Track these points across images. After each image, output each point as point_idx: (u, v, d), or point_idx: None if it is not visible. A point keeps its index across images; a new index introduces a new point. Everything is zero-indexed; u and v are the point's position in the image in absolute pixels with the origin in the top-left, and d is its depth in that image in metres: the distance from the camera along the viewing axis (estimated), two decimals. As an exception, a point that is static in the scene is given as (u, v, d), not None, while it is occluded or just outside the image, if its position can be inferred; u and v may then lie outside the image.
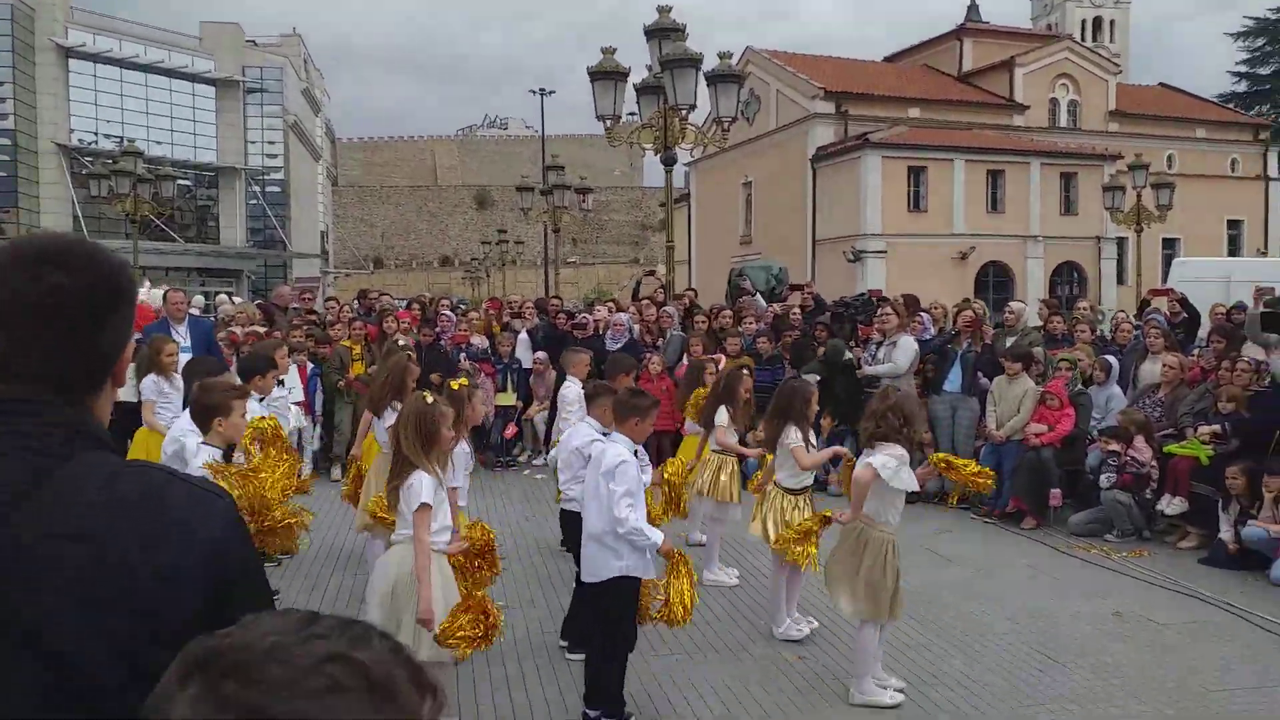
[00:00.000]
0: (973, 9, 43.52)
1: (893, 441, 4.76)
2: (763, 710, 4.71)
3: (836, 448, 6.22)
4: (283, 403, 6.98)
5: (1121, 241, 33.73)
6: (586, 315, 12.30)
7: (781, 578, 5.71)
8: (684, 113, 13.11)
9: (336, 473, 10.42)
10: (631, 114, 15.06)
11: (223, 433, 4.48)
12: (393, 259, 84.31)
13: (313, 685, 0.77)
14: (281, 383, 7.13)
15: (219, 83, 45.80)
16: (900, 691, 4.82)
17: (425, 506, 4.00)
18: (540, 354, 11.48)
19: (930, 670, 5.19)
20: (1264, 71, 49.05)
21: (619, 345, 10.95)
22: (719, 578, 6.78)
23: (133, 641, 1.18)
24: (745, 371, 7.35)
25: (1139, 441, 7.99)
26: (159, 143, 42.48)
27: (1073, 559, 7.54)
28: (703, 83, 13.05)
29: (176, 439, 4.63)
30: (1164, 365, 8.77)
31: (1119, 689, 4.97)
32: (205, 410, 4.50)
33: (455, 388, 5.32)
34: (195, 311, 11.37)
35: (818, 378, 9.30)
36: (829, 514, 5.35)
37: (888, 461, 4.67)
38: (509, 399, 11.59)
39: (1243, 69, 49.80)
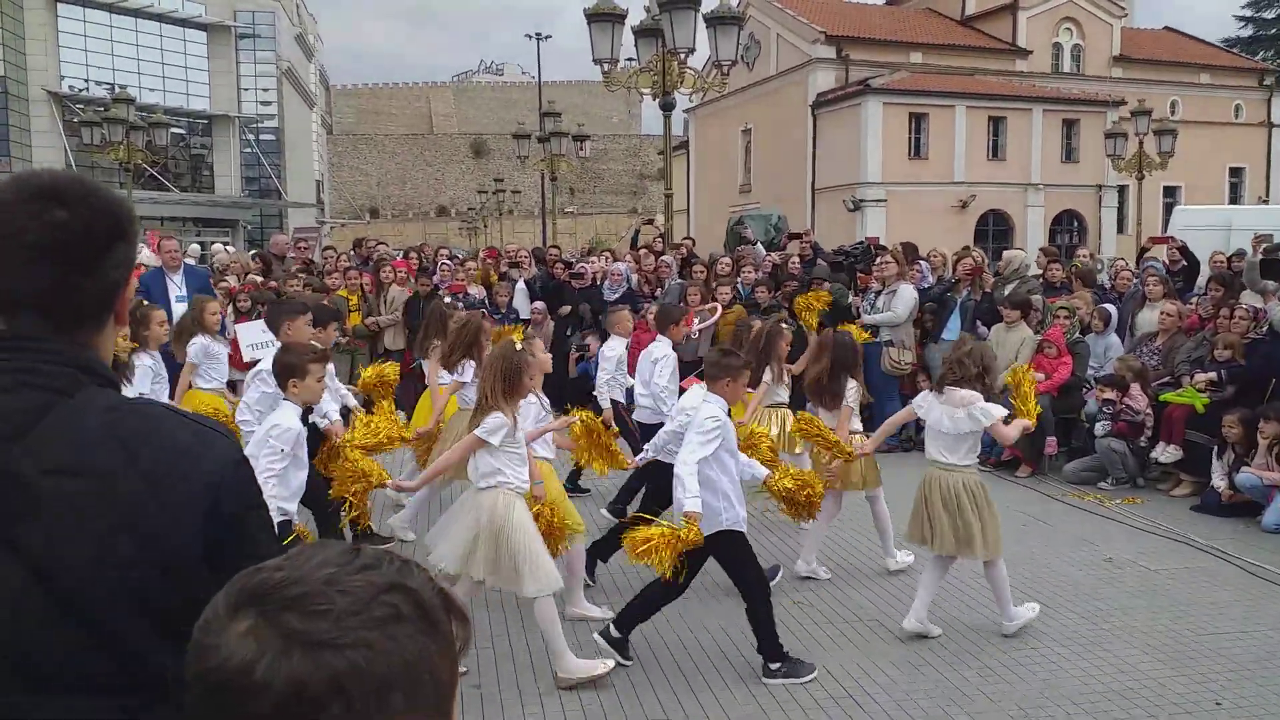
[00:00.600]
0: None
1: (968, 388, 4.85)
2: (758, 653, 4.77)
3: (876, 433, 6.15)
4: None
5: (1122, 189, 33.54)
6: (584, 265, 12.24)
7: (880, 511, 5.94)
8: (683, 56, 12.92)
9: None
10: (630, 59, 14.85)
11: (297, 394, 4.49)
12: (389, 208, 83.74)
13: (376, 614, 0.79)
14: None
15: (210, 28, 45.05)
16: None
17: (479, 440, 4.26)
18: (538, 304, 11.44)
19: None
20: (1270, 15, 48.34)
21: (616, 295, 10.91)
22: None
23: (140, 573, 1.20)
24: (782, 327, 7.15)
25: (1135, 390, 8.02)
26: (151, 90, 41.88)
27: (1067, 506, 7.60)
28: (702, 25, 12.84)
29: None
30: (1162, 313, 8.76)
31: (1109, 633, 5.04)
32: (283, 370, 4.50)
33: (517, 336, 5.52)
34: (191, 261, 11.30)
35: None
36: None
37: (988, 410, 4.83)
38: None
39: (1248, 13, 49.06)
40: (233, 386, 7.22)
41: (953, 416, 4.90)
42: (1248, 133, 40.01)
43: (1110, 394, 8.06)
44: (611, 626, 4.64)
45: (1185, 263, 11.17)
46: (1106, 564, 6.17)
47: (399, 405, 10.60)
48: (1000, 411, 4.92)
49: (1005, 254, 11.09)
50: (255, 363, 6.02)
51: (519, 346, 4.53)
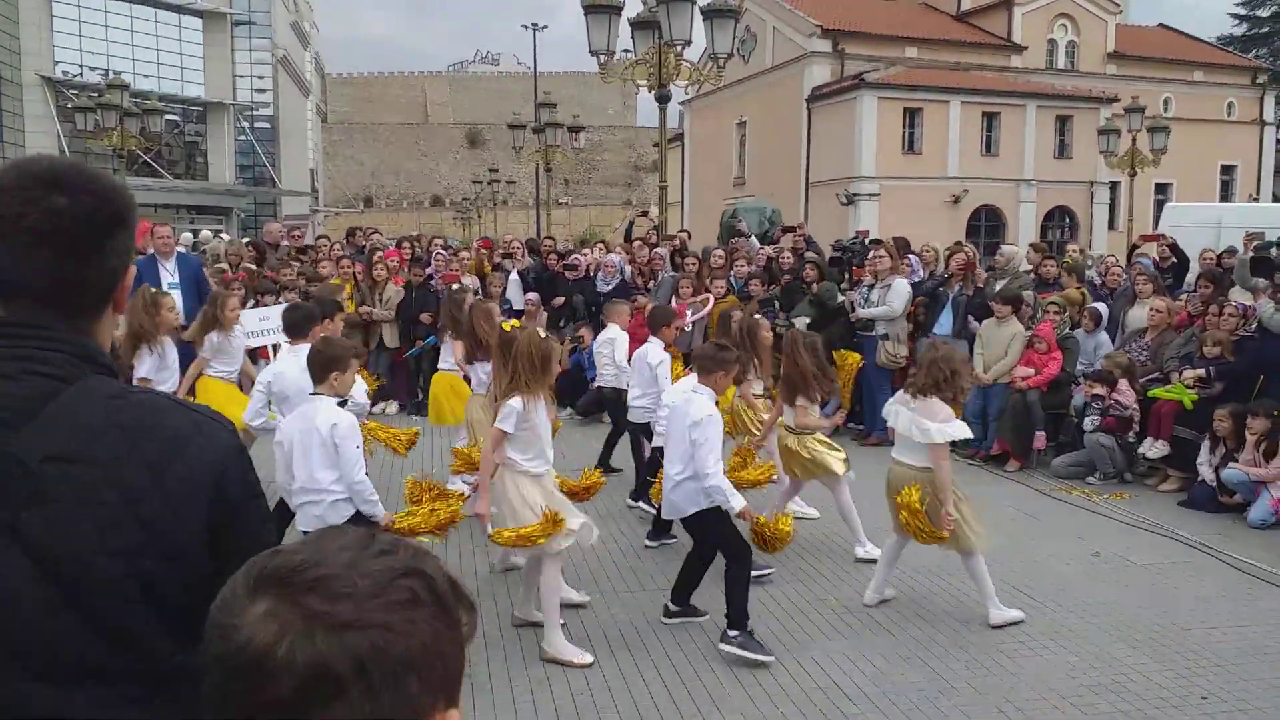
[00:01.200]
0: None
1: (939, 395, 4.89)
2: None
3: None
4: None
5: (1114, 186, 33.62)
6: (579, 256, 12.24)
7: (845, 500, 6.02)
8: (679, 48, 12.91)
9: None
10: (626, 51, 14.83)
11: (335, 386, 4.57)
12: (383, 198, 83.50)
13: (395, 598, 0.80)
14: None
15: (206, 14, 44.74)
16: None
17: (501, 432, 4.57)
18: (532, 294, 11.45)
19: (912, 608, 5.30)
20: (1264, 14, 48.40)
21: (610, 287, 10.92)
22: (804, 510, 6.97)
23: (142, 560, 1.21)
24: (758, 318, 7.22)
25: (1122, 385, 8.06)
26: (145, 76, 41.61)
27: (1055, 501, 7.65)
28: (698, 18, 12.83)
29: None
30: (1151, 310, 8.81)
31: (1096, 627, 5.08)
32: (326, 362, 4.54)
33: (508, 329, 5.70)
34: (182, 249, 11.26)
35: (808, 320, 9.32)
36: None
37: (944, 429, 4.88)
38: (501, 338, 11.56)
39: (1242, 10, 49.12)
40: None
41: (921, 427, 4.93)
42: (1240, 130, 40.11)
43: (1099, 389, 8.11)
44: (726, 629, 4.70)
45: (1175, 260, 11.22)
46: (1094, 558, 6.21)
47: (389, 395, 10.66)
48: (955, 433, 4.93)
49: (1004, 249, 11.11)
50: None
51: (542, 334, 4.80)
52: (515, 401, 4.56)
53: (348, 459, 4.34)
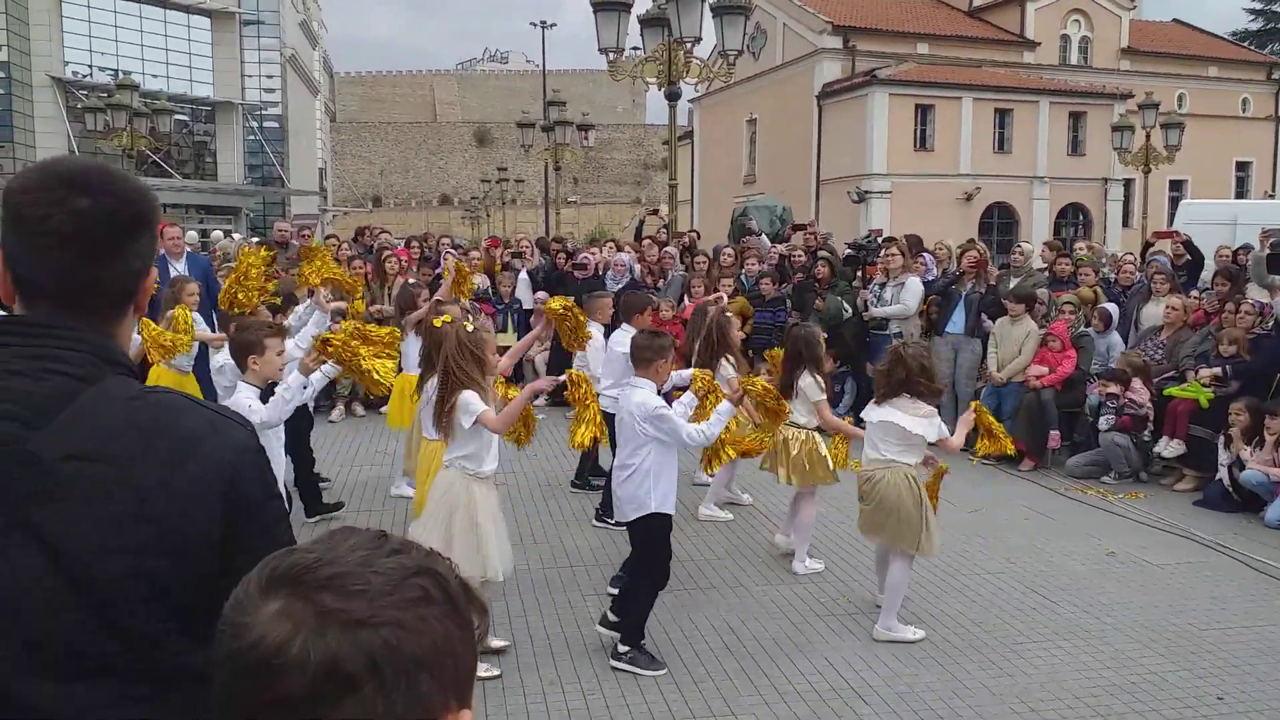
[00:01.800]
0: (984, -59, 42.47)
1: (911, 394, 4.80)
2: (760, 646, 4.79)
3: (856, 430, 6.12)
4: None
5: (1128, 183, 33.42)
6: (588, 255, 12.22)
7: (810, 513, 5.87)
8: (688, 46, 12.87)
9: (336, 413, 10.47)
10: (635, 48, 14.80)
11: (258, 371, 4.51)
12: (392, 197, 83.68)
13: (408, 595, 0.80)
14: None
15: (215, 14, 44.93)
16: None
17: (484, 414, 4.27)
18: (541, 294, 11.43)
19: (926, 609, 5.26)
20: (1279, 9, 48.06)
21: (620, 285, 10.90)
22: (714, 514, 6.87)
23: (155, 558, 1.21)
24: (729, 315, 7.12)
25: (1136, 384, 8.00)
26: (155, 76, 41.83)
27: (1070, 500, 7.60)
28: (708, 15, 12.79)
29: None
30: (1167, 307, 8.74)
31: (1111, 627, 5.04)
32: (242, 348, 4.52)
33: (438, 324, 5.42)
34: (189, 248, 11.28)
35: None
36: (944, 468, 5.35)
37: (929, 428, 4.81)
38: (510, 339, 11.57)
39: (1258, 5, 48.80)
40: None
41: (896, 427, 4.84)
42: (1255, 127, 39.84)
43: (1113, 388, 8.05)
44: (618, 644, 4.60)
45: (1190, 257, 11.13)
46: (1109, 558, 6.16)
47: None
48: (926, 431, 4.86)
49: (1022, 246, 11.05)
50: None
51: (471, 328, 4.52)
52: (463, 394, 4.27)
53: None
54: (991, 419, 5.28)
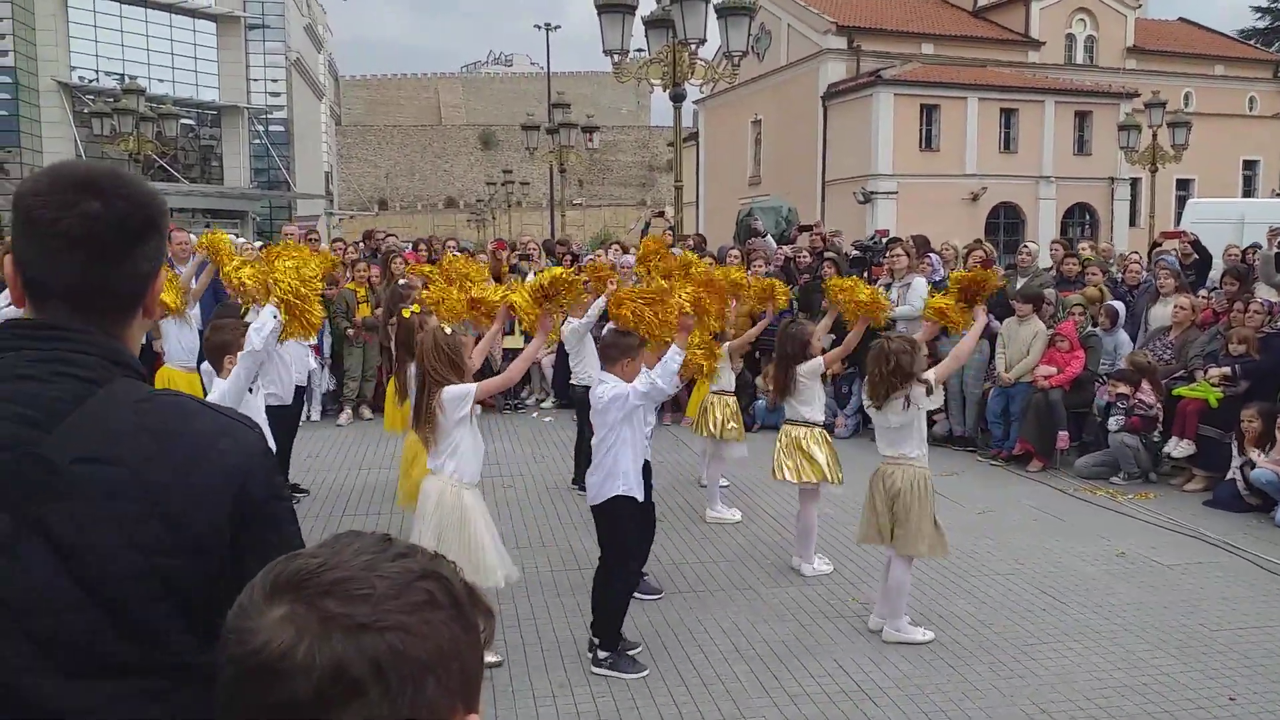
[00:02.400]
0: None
1: (904, 382, 4.77)
2: (770, 648, 4.78)
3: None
4: (300, 349, 6.95)
5: (1135, 182, 33.35)
6: (592, 257, 12.23)
7: (811, 515, 5.82)
8: (693, 47, 12.87)
9: (344, 417, 10.48)
10: (640, 50, 14.80)
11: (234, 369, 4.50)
12: (397, 200, 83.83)
13: (413, 599, 0.80)
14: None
15: (220, 18, 45.07)
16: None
17: (479, 387, 4.29)
18: (547, 295, 11.44)
19: (935, 610, 5.25)
20: (1286, 6, 47.93)
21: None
22: (722, 516, 6.86)
23: (166, 558, 1.22)
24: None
25: (1145, 384, 7.98)
26: (161, 80, 41.98)
27: (1079, 501, 7.57)
28: (712, 16, 12.78)
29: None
30: (1175, 307, 8.71)
31: (1121, 628, 5.02)
32: (218, 348, 4.52)
33: (406, 315, 5.41)
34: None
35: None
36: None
37: (920, 400, 4.77)
38: (515, 342, 11.56)
39: (1264, 3, 48.65)
40: None
41: (897, 409, 4.81)
42: (1262, 125, 39.71)
43: (1123, 388, 8.02)
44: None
45: (1197, 256, 11.10)
46: (1119, 558, 6.14)
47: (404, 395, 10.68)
48: (929, 376, 4.83)
49: (1028, 245, 11.00)
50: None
51: (449, 330, 4.48)
52: (448, 389, 4.23)
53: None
54: (941, 301, 5.32)
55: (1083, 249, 11.54)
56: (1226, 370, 7.77)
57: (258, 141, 47.50)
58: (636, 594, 4.94)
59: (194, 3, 44.16)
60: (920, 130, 32.88)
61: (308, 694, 0.76)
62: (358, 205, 78.19)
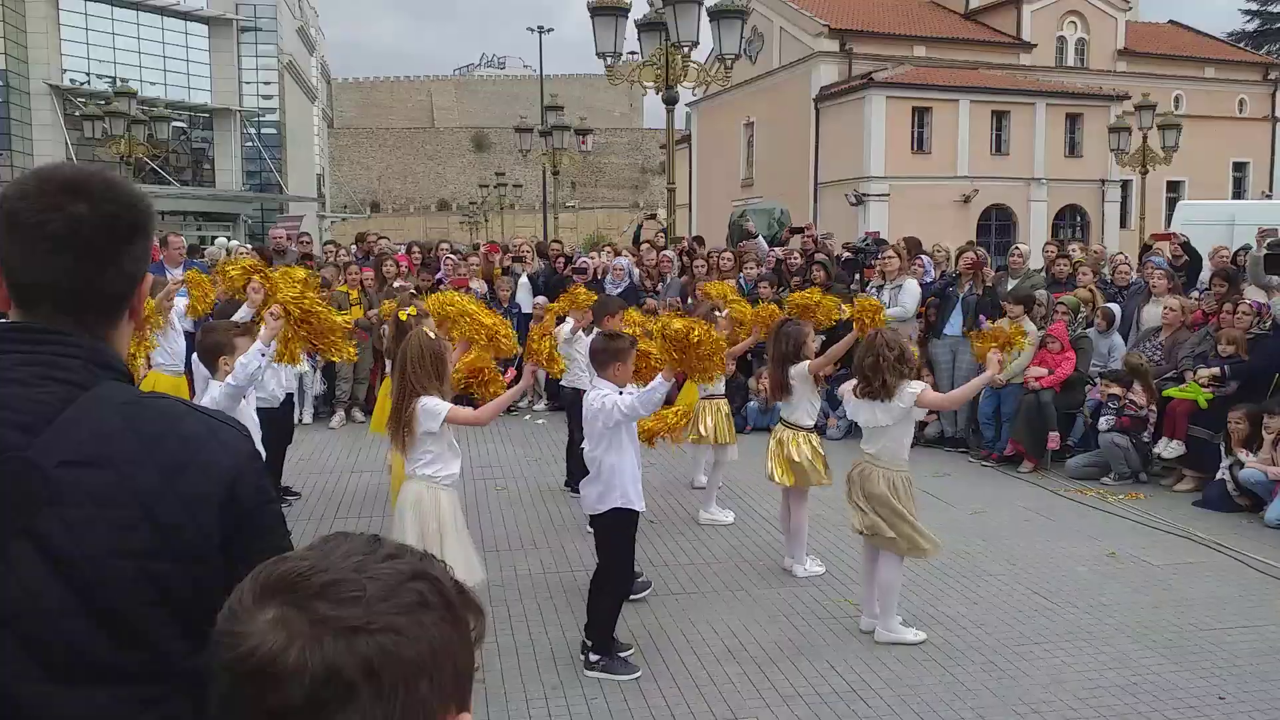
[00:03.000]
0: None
1: (895, 376, 4.77)
2: (762, 650, 4.79)
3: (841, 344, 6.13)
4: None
5: (1126, 184, 33.46)
6: (586, 260, 12.24)
7: (802, 516, 5.83)
8: (686, 50, 12.89)
9: (337, 420, 10.46)
10: (633, 53, 14.82)
11: (229, 371, 4.49)
12: (390, 203, 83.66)
13: (404, 600, 0.80)
14: None
15: (212, 21, 44.94)
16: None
17: (452, 411, 4.21)
18: (540, 298, 11.44)
19: (926, 611, 5.26)
20: (1275, 9, 48.18)
21: (619, 290, 10.91)
22: (716, 517, 6.87)
23: (158, 563, 1.22)
24: (718, 313, 7.17)
25: (1137, 386, 8.02)
26: (152, 83, 41.79)
27: (1070, 501, 7.60)
28: (705, 19, 12.81)
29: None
30: (1165, 308, 8.75)
31: (1113, 628, 5.04)
32: (211, 349, 4.51)
33: (404, 318, 5.41)
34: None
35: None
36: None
37: (910, 393, 4.75)
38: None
39: (1254, 6, 48.91)
40: None
41: (887, 409, 4.80)
42: (1252, 127, 39.90)
43: (1115, 389, 8.06)
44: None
45: (1188, 258, 11.14)
46: (1109, 559, 6.17)
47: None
48: (917, 387, 4.82)
49: (1022, 248, 11.04)
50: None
51: (432, 334, 4.46)
52: (425, 400, 4.20)
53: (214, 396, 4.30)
54: (996, 331, 5.38)
55: (1071, 250, 11.56)
56: (1216, 371, 7.80)
57: (250, 144, 47.36)
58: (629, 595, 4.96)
59: (186, 5, 44.04)
60: (912, 132, 32.96)
61: (300, 697, 0.75)
62: (350, 208, 78.02)
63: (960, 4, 39.45)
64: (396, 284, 9.34)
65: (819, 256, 10.91)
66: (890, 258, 9.56)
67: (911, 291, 9.39)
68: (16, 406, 1.22)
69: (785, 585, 5.67)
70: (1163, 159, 22.12)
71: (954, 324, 9.47)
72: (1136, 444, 7.99)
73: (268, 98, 48.21)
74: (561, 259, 12.25)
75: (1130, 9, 39.27)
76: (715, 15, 12.99)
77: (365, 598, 0.78)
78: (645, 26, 13.40)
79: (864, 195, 32.04)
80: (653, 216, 18.30)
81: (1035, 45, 37.16)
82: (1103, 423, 8.08)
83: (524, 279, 11.84)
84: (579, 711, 4.19)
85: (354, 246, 13.72)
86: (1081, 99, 34.67)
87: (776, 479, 5.83)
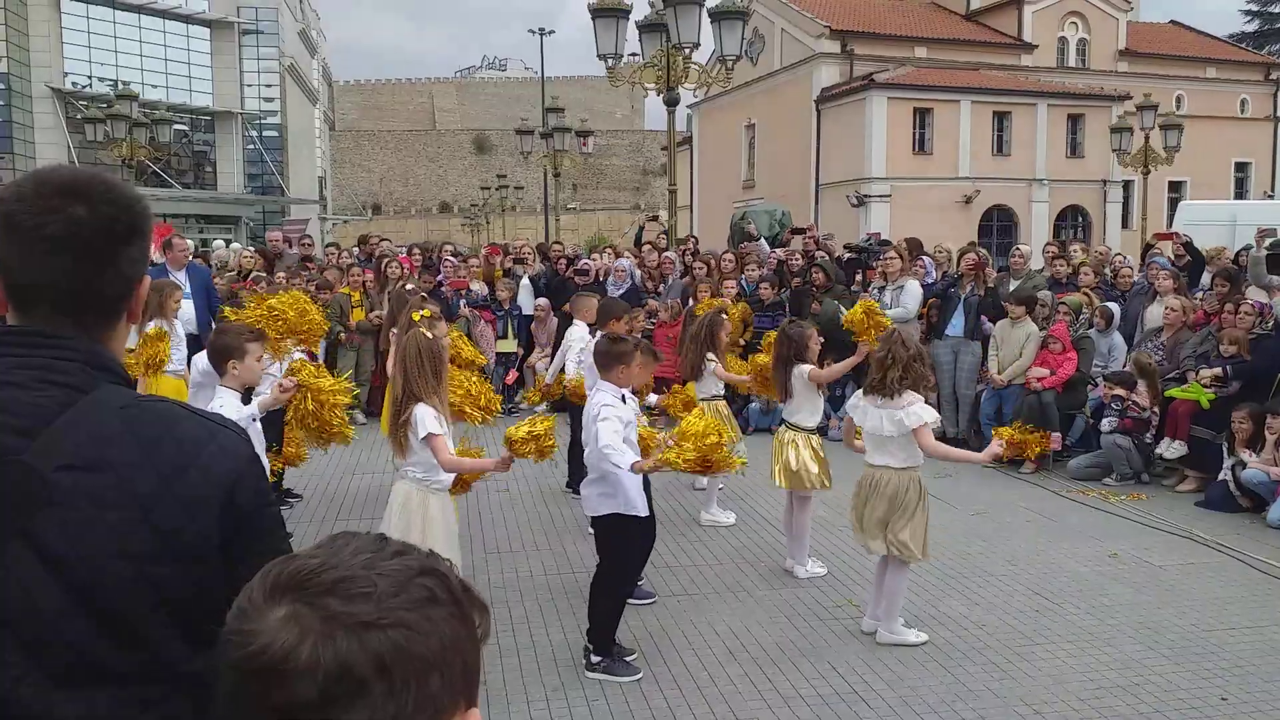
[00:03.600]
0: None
1: (912, 386, 4.75)
2: (764, 651, 4.78)
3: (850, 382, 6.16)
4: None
5: (1128, 184, 33.44)
6: (588, 261, 12.24)
7: (805, 518, 5.81)
8: (687, 51, 12.89)
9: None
10: (634, 54, 14.82)
11: (238, 375, 4.50)
12: (391, 205, 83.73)
13: (415, 596, 0.80)
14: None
15: (214, 24, 45.03)
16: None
17: (433, 435, 4.13)
18: (542, 300, 11.45)
19: (929, 612, 5.26)
20: (1276, 10, 48.15)
21: (620, 291, 10.91)
22: (717, 518, 6.86)
23: (157, 566, 1.22)
24: (724, 316, 7.23)
25: (1140, 387, 8.01)
26: (154, 86, 41.87)
27: (1071, 502, 7.59)
28: (706, 20, 12.80)
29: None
30: (1166, 309, 8.74)
31: (1115, 629, 5.03)
32: (221, 351, 4.51)
33: (416, 319, 5.37)
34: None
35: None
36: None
37: (917, 413, 4.69)
38: (510, 345, 11.58)
39: (1254, 7, 48.89)
40: None
41: (894, 419, 4.75)
42: (1254, 127, 39.86)
43: (1119, 390, 8.04)
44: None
45: (1190, 258, 11.13)
46: (1111, 559, 6.16)
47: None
48: (928, 417, 4.73)
49: (1023, 249, 11.03)
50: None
51: (430, 335, 4.44)
52: (419, 408, 4.16)
53: None
54: (1012, 431, 5.18)
55: (1073, 251, 11.55)
56: (1218, 371, 7.79)
57: (251, 147, 47.41)
58: (630, 599, 4.95)
59: (188, 8, 44.13)
60: (913, 133, 32.96)
61: (312, 694, 0.76)
62: (352, 210, 78.06)
63: (961, 5, 39.45)
64: (408, 287, 9.32)
65: (820, 258, 10.90)
66: (892, 259, 9.56)
67: (913, 292, 9.39)
68: (14, 410, 1.22)
69: (787, 586, 5.67)
70: (1164, 159, 22.10)
71: (956, 325, 9.47)
72: (1138, 444, 7.98)
73: (269, 100, 48.26)
74: (563, 261, 12.25)
75: (1131, 9, 39.26)
76: (716, 16, 12.98)
77: (376, 594, 0.79)
78: (646, 28, 13.40)
79: (865, 196, 32.04)
80: (654, 218, 18.28)
81: (1036, 46, 37.16)
82: (1105, 424, 8.06)
83: (525, 281, 11.84)
84: (580, 713, 4.19)
85: (356, 249, 13.73)
86: (1083, 99, 34.66)
87: (778, 482, 5.84)
